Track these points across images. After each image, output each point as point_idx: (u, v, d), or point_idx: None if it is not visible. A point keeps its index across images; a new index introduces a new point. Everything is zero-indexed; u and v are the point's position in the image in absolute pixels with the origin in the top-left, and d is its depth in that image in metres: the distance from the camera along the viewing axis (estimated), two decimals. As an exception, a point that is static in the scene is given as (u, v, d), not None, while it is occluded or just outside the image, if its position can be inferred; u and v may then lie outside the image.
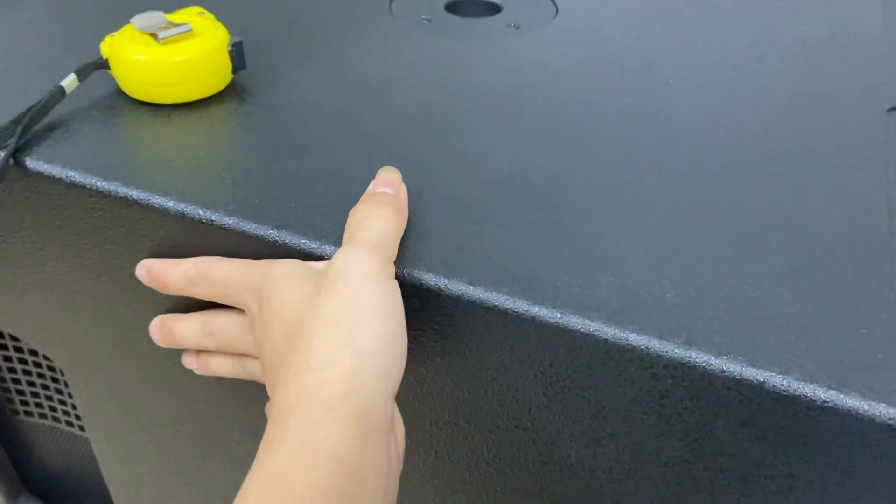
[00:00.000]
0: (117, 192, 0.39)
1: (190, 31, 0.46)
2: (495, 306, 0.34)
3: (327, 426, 0.28)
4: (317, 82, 0.49)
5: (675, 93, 0.49)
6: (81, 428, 0.60)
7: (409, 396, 0.40)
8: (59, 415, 0.61)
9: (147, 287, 0.41)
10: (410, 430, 0.40)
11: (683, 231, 0.38)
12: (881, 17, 0.60)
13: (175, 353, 0.45)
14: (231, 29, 0.49)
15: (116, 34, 0.46)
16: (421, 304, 0.35)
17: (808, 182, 0.42)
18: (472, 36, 0.56)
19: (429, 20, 0.57)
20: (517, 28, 0.57)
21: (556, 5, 0.60)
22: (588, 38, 0.55)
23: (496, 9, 0.60)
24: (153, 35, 0.45)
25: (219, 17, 0.50)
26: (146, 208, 0.39)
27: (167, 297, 0.43)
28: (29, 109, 0.43)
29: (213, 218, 0.38)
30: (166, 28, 0.45)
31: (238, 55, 0.47)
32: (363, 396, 0.29)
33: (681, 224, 0.38)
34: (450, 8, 0.60)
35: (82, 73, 0.45)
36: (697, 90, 0.50)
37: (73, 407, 0.58)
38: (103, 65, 0.46)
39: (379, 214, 0.35)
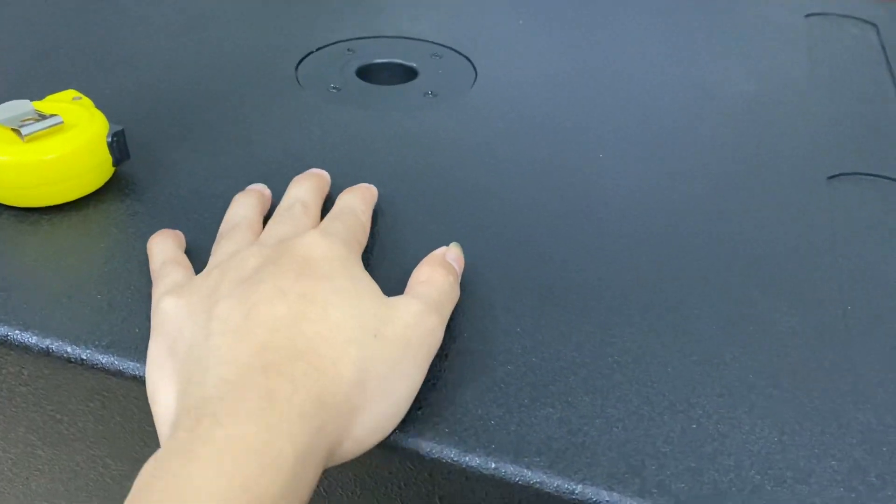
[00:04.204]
0: (-31, 328, 0.33)
1: (61, 123, 0.40)
2: (420, 455, 0.29)
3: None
4: (214, 169, 0.44)
5: (606, 169, 0.46)
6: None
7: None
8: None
9: (15, 429, 0.35)
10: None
11: (625, 341, 0.34)
12: (808, 70, 0.58)
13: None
14: (114, 112, 0.44)
15: (-26, 129, 0.40)
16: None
17: (753, 272, 0.38)
18: (386, 107, 0.51)
19: (338, 89, 0.53)
20: (434, 96, 0.52)
21: (474, 68, 0.56)
22: (511, 106, 0.51)
23: (412, 74, 0.56)
24: (16, 131, 0.39)
25: (100, 100, 0.45)
26: (4, 344, 0.33)
27: (38, 437, 0.37)
28: None
29: (84, 356, 0.32)
30: (32, 121, 0.40)
31: (120, 146, 0.42)
32: None
33: (621, 333, 0.34)
34: (362, 74, 0.55)
35: (-67, 176, 0.39)
36: (628, 164, 0.46)
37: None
38: (-42, 164, 0.40)
39: (440, 280, 0.33)
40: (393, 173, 0.44)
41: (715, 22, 0.65)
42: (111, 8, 0.64)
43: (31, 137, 0.39)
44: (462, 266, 0.35)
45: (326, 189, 0.41)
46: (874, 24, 0.65)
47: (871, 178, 0.46)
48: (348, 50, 0.58)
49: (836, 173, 0.46)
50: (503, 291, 0.36)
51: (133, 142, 0.44)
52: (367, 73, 0.56)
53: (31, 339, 0.33)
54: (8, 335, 0.33)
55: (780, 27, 0.65)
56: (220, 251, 0.34)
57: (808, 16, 0.67)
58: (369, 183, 0.42)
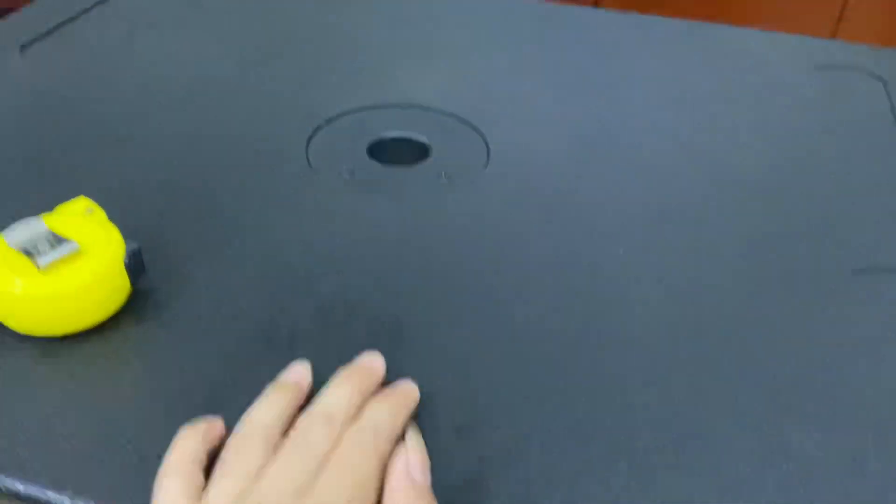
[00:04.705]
0: (-3, 490, 0.32)
1: (77, 249, 0.39)
2: None
3: None
4: (233, 279, 0.43)
5: (624, 267, 0.45)
6: None
7: None
8: None
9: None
10: None
11: (665, 488, 0.34)
12: (820, 140, 0.58)
13: None
14: (119, 210, 0.43)
15: (-14, 252, 0.39)
16: None
17: (781, 393, 0.38)
18: (402, 194, 0.50)
19: (352, 173, 0.52)
20: (448, 179, 0.52)
21: (486, 142, 0.55)
22: (528, 191, 0.51)
23: (424, 151, 0.55)
24: (32, 258, 0.38)
25: (105, 200, 0.43)
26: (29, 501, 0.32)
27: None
28: None
29: (119, 522, 0.31)
30: (48, 249, 0.38)
31: (136, 265, 0.41)
32: None
33: (656, 476, 0.34)
34: (373, 152, 0.54)
35: (-54, 307, 0.38)
36: (646, 259, 0.46)
37: None
38: (-28, 290, 0.39)
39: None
40: (416, 278, 0.44)
41: (724, 82, 0.65)
42: (108, 74, 0.62)
43: (49, 267, 0.38)
44: (429, 470, 0.32)
45: (374, 387, 0.36)
46: (882, 80, 0.65)
47: None
48: (358, 122, 0.57)
49: (863, 267, 0.46)
50: (516, 426, 0.36)
51: (144, 244, 0.43)
52: (379, 149, 0.55)
53: (52, 497, 0.32)
54: (22, 492, 0.32)
55: (790, 86, 0.64)
56: (221, 472, 0.31)
57: (817, 69, 0.66)
58: (387, 285, 0.41)
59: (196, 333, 0.40)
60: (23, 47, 0.64)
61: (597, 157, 0.54)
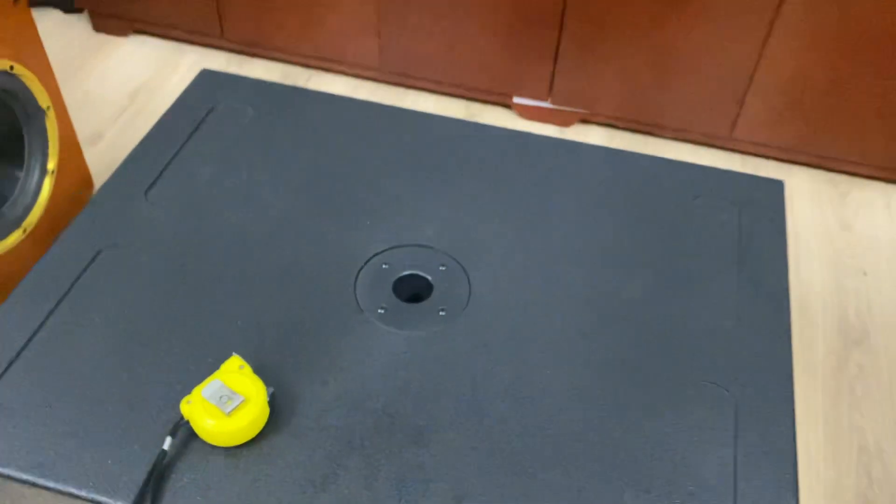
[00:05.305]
0: (228, 542, 0.65)
1: (244, 400, 0.70)
2: None
3: None
4: (324, 400, 0.75)
5: (552, 382, 0.77)
6: None
7: None
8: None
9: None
10: None
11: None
12: (660, 274, 0.89)
13: None
14: (244, 352, 0.74)
15: (192, 400, 0.70)
16: None
17: (623, 465, 0.71)
18: (417, 326, 0.81)
19: (385, 309, 0.83)
20: (444, 312, 0.83)
21: (468, 279, 0.86)
22: (495, 324, 0.82)
23: (429, 286, 0.85)
24: (220, 408, 0.69)
25: (238, 348, 0.74)
26: (246, 549, 0.65)
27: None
28: (150, 473, 0.68)
29: (292, 558, 0.65)
30: (227, 401, 0.70)
31: (272, 401, 0.72)
32: None
33: None
34: (396, 286, 0.85)
35: (175, 434, 0.70)
36: (564, 377, 0.78)
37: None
38: (186, 423, 0.70)
39: None
40: (422, 390, 0.75)
41: (626, 211, 0.95)
42: (207, 217, 0.91)
43: (231, 413, 0.69)
44: None
45: None
46: (738, 209, 0.95)
47: (717, 388, 0.78)
48: (384, 265, 0.87)
49: (694, 380, 0.78)
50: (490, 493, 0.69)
51: (263, 375, 0.74)
52: (400, 285, 0.85)
53: (261, 547, 0.65)
54: (248, 545, 0.65)
55: (669, 214, 0.94)
56: None
57: (695, 198, 0.96)
58: (412, 401, 0.73)
59: (310, 439, 0.72)
60: (146, 191, 0.93)
61: (539, 289, 0.85)
